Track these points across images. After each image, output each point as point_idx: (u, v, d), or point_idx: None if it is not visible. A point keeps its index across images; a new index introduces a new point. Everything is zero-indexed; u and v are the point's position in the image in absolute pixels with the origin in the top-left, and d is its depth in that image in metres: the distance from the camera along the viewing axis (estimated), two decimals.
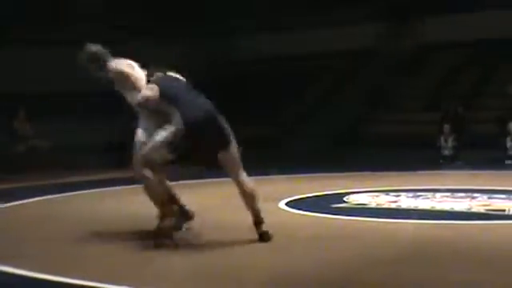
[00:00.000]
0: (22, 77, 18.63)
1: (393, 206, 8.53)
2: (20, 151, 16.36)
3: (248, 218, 6.12)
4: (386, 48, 21.57)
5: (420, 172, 13.43)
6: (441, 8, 20.84)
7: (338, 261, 5.36)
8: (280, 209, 8.30)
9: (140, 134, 6.54)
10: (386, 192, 9.70)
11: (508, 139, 16.09)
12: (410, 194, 9.39)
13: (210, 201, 9.12)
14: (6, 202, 9.21)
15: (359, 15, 21.73)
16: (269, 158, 17.05)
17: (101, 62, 6.57)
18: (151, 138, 6.24)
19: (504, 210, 7.85)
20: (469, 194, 9.20)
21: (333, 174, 13.19)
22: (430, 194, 9.31)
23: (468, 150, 15.60)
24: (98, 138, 19.63)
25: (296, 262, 5.37)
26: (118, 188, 11.29)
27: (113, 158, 17.18)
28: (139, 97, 6.12)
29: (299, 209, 8.20)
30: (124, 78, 6.51)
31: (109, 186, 11.57)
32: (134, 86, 6.45)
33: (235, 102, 20.66)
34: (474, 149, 15.82)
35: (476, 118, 17.87)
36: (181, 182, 12.45)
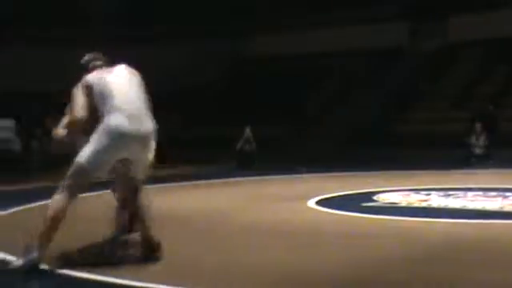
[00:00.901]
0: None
1: (423, 204, 8.44)
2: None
3: (273, 217, 6.06)
4: (414, 47, 21.48)
5: (451, 171, 13.32)
6: (468, 6, 20.69)
7: (366, 259, 5.30)
8: (309, 207, 8.25)
9: None
10: (417, 191, 9.61)
11: None
12: (441, 193, 9.30)
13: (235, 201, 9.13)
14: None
15: (386, 14, 21.65)
16: (294, 157, 17.06)
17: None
18: None
19: None
20: (500, 193, 9.09)
21: (362, 173, 13.13)
22: (461, 193, 9.21)
23: (499, 149, 15.43)
24: None
25: (324, 259, 5.32)
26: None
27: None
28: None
29: (329, 207, 8.15)
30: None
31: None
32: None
33: (260, 102, 20.76)
34: (506, 147, 15.68)
35: (507, 116, 17.71)
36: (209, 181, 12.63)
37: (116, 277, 4.64)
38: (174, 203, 9.13)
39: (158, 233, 5.28)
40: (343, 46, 21.91)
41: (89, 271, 4.80)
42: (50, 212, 4.91)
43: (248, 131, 17.45)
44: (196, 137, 20.13)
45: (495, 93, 18.66)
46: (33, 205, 8.73)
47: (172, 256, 5.17)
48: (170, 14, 22.86)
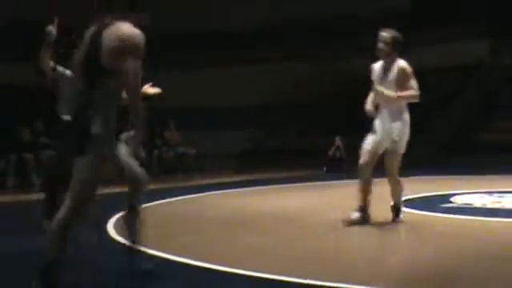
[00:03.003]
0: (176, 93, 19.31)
1: (496, 206, 8.24)
2: (170, 157, 16.88)
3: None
4: (494, 62, 20.89)
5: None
6: None
7: (446, 256, 5.25)
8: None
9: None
10: (491, 193, 9.39)
11: None
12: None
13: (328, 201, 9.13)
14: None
15: (468, 32, 21.15)
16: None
17: None
18: None
19: None
20: None
21: (442, 176, 12.89)
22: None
23: None
24: (233, 147, 20.06)
25: (407, 256, 5.30)
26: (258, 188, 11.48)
27: (246, 162, 17.51)
28: None
29: (410, 208, 8.06)
30: None
31: (247, 187, 11.78)
32: None
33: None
34: None
35: None
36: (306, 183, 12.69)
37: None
38: (284, 203, 9.28)
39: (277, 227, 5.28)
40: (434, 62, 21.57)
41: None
42: None
43: (338, 140, 17.47)
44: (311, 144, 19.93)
45: None
46: (156, 202, 9.03)
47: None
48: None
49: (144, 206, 8.34)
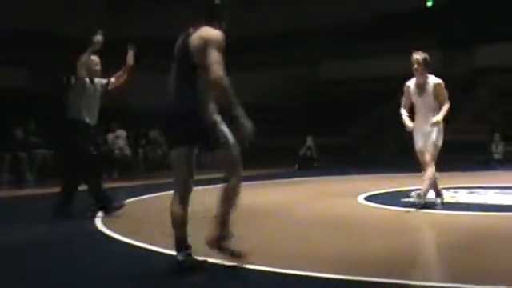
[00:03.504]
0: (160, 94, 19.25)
1: (452, 200, 8.35)
2: (156, 155, 16.86)
3: (327, 210, 6.07)
4: (444, 72, 21.20)
5: (474, 172, 13.11)
6: (489, 38, 20.39)
7: (404, 245, 5.31)
8: (359, 203, 8.27)
9: None
10: (447, 189, 9.50)
11: None
12: (467, 191, 9.18)
13: (298, 197, 9.19)
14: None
15: (420, 44, 21.44)
16: (350, 161, 17.04)
17: None
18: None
19: None
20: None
21: (403, 174, 13.01)
22: (483, 191, 9.08)
23: None
24: None
25: (369, 245, 5.35)
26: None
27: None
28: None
29: (375, 202, 8.16)
30: None
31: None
32: None
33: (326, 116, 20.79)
34: None
35: None
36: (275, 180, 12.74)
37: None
38: (257, 198, 9.28)
39: (247, 223, 5.32)
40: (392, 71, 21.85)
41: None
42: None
43: (309, 140, 17.58)
44: (283, 143, 20.01)
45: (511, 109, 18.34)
46: (140, 197, 9.01)
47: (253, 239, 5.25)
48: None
49: (128, 200, 8.44)
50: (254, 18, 23.19)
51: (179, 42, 4.35)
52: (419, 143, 7.38)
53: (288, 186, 11.66)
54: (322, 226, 6.43)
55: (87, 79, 7.17)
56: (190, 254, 4.34)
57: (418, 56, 7.29)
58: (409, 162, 14.39)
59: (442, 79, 7.39)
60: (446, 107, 7.23)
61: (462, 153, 16.18)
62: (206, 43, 4.15)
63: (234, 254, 4.40)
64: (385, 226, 6.32)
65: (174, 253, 4.42)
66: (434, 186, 7.51)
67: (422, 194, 7.26)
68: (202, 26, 4.25)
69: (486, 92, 19.97)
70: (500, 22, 20.46)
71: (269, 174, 14.21)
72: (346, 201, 8.36)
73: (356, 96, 21.84)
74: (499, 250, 5.04)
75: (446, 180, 11.04)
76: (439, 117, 7.17)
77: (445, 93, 7.28)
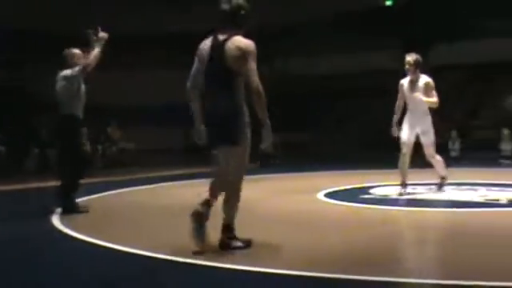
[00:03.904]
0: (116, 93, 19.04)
1: (410, 196, 8.48)
2: (112, 152, 16.72)
3: (287, 206, 6.10)
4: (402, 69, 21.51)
5: (433, 169, 13.29)
6: (445, 37, 20.77)
7: (362, 241, 5.38)
8: (318, 199, 8.34)
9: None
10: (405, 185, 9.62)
11: (502, 143, 15.93)
12: (425, 187, 9.33)
13: (258, 194, 9.21)
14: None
15: (384, 42, 21.69)
16: (311, 158, 17.14)
17: None
18: None
19: (498, 200, 7.78)
20: (471, 187, 9.14)
21: (363, 171, 13.15)
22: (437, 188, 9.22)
23: (471, 152, 15.45)
24: (173, 142, 19.97)
25: (327, 241, 5.40)
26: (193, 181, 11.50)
27: (185, 157, 17.45)
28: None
29: (334, 199, 8.23)
30: None
31: (183, 180, 11.77)
32: None
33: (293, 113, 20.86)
34: (477, 151, 15.70)
35: (478, 125, 17.71)
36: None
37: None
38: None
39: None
40: (357, 68, 22.00)
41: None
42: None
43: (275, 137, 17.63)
44: None
45: (467, 107, 18.68)
46: (99, 195, 8.92)
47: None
48: None
49: (87, 198, 8.36)
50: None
51: (208, 45, 4.76)
52: (405, 136, 8.31)
53: (249, 182, 11.63)
54: (282, 222, 6.47)
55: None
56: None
57: (410, 58, 8.22)
58: (370, 158, 14.62)
59: (401, 76, 7.61)
60: (433, 99, 8.13)
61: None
62: (243, 53, 4.61)
63: (248, 244, 4.91)
64: (343, 222, 6.40)
65: (133, 250, 4.41)
66: (403, 175, 8.45)
67: (441, 180, 8.68)
68: (230, 33, 4.70)
69: (443, 89, 20.31)
70: (458, 20, 20.83)
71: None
72: (306, 197, 8.42)
73: (318, 93, 21.96)
74: (454, 245, 5.15)
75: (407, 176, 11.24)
76: (426, 99, 8.09)
77: (434, 92, 8.17)
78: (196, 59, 4.84)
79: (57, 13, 18.06)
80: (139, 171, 14.05)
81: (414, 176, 9.37)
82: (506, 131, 15.78)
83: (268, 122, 4.65)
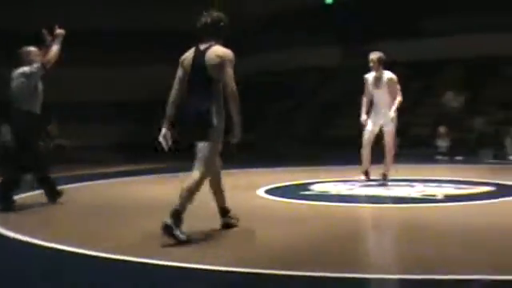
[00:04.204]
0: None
1: (349, 192, 8.58)
2: (49, 148, 16.38)
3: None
4: (345, 67, 21.77)
5: (371, 165, 13.50)
6: (383, 35, 21.12)
7: (304, 236, 5.41)
8: (258, 195, 8.34)
9: None
10: (344, 182, 9.76)
11: (439, 140, 16.32)
12: (363, 183, 9.44)
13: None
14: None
15: (323, 39, 21.91)
16: (254, 155, 17.17)
17: None
18: None
19: (435, 196, 7.95)
20: (408, 183, 9.30)
21: (303, 167, 13.24)
22: (377, 183, 9.36)
23: (408, 149, 15.75)
24: (112, 139, 19.70)
25: (266, 237, 5.41)
26: (127, 179, 11.37)
27: (123, 154, 17.25)
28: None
29: (274, 195, 8.25)
30: None
31: (119, 177, 11.61)
32: None
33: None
34: (414, 147, 16.02)
35: (415, 122, 18.09)
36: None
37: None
38: (153, 192, 9.20)
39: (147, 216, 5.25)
40: (294, 65, 22.12)
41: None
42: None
43: None
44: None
45: (405, 104, 19.07)
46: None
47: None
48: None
49: (26, 194, 8.13)
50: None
51: (191, 56, 5.26)
52: (369, 127, 8.96)
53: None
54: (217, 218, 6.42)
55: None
56: (229, 216, 5.66)
57: (373, 56, 8.83)
58: (310, 156, 14.75)
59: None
60: (397, 100, 8.75)
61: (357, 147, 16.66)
62: (222, 61, 5.13)
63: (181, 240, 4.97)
64: (282, 219, 6.41)
65: (60, 247, 4.32)
66: (365, 163, 9.15)
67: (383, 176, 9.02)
68: (210, 43, 5.23)
69: None
70: (397, 19, 21.23)
71: (174, 168, 14.08)
72: (246, 194, 8.40)
73: (257, 90, 22.00)
74: (391, 240, 5.23)
75: (345, 173, 11.39)
76: (392, 113, 8.73)
77: (397, 86, 8.77)
78: (179, 67, 5.33)
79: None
80: (77, 168, 13.76)
81: (356, 172, 9.49)
82: (442, 128, 16.15)
83: (239, 121, 5.16)
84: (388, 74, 8.85)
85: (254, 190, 8.75)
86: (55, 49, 7.23)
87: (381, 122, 8.92)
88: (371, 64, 8.85)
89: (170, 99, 5.33)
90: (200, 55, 5.22)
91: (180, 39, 23.20)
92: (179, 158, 14.53)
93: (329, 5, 22.72)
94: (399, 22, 21.16)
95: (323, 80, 21.94)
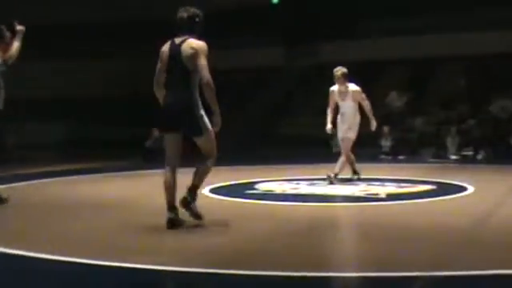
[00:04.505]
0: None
1: (294, 191, 8.64)
2: None
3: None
4: (289, 67, 21.90)
5: (315, 165, 13.65)
6: (333, 35, 21.34)
7: (249, 234, 5.44)
8: (203, 194, 8.31)
9: None
10: (289, 181, 9.83)
11: (383, 139, 16.59)
12: (308, 182, 9.54)
13: (146, 188, 9.09)
14: None
15: (266, 39, 22.00)
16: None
17: None
18: None
19: (378, 194, 8.09)
20: (353, 182, 9.44)
21: (249, 166, 13.27)
22: (323, 182, 9.47)
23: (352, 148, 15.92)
24: (57, 137, 19.33)
25: (213, 236, 5.41)
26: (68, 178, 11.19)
27: (69, 153, 16.94)
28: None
29: (219, 194, 8.24)
30: None
31: (64, 176, 11.41)
32: None
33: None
34: (358, 147, 16.23)
35: (360, 122, 18.31)
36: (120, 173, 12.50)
37: None
38: (102, 191, 9.09)
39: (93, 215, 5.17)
40: (240, 64, 22.12)
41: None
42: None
43: (155, 131, 17.39)
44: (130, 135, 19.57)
45: None
46: None
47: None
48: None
49: None
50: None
51: (167, 48, 5.64)
52: (340, 134, 9.59)
53: (134, 178, 11.49)
54: (164, 217, 6.38)
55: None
56: (177, 214, 5.62)
57: (338, 72, 9.38)
58: (256, 156, 14.77)
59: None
60: (369, 108, 9.56)
61: (306, 146, 16.80)
62: (196, 52, 5.48)
63: (197, 215, 5.76)
64: (226, 217, 6.41)
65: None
66: (351, 165, 9.72)
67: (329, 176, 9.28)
68: (185, 37, 5.60)
69: (327, 87, 20.89)
70: (342, 19, 21.49)
71: (115, 166, 13.90)
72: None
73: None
74: (335, 238, 5.30)
75: (290, 172, 11.48)
76: (373, 123, 9.67)
77: (362, 95, 9.49)
78: (158, 60, 5.69)
79: None
80: (18, 167, 13.44)
81: (300, 171, 9.58)
82: (386, 128, 16.44)
83: (218, 109, 5.50)
84: (353, 87, 9.43)
85: (200, 189, 8.69)
86: (16, 45, 7.35)
87: (345, 126, 9.51)
88: (336, 79, 9.40)
89: (157, 94, 5.76)
90: (176, 48, 5.57)
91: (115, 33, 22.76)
92: (121, 157, 14.31)
93: (275, 5, 22.82)
94: (343, 23, 21.43)
95: (266, 80, 22.04)
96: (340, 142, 9.70)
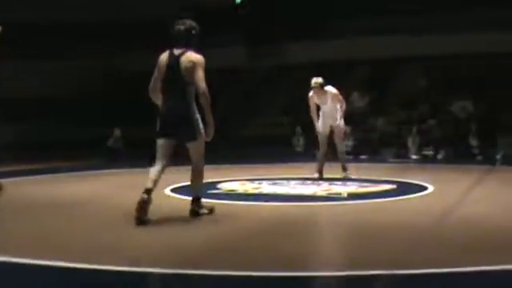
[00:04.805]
0: None
1: (256, 191, 8.66)
2: None
3: (132, 202, 6.00)
4: (252, 67, 21.92)
5: (278, 164, 13.70)
6: (295, 35, 21.43)
7: (212, 235, 5.42)
8: (165, 194, 8.27)
9: None
10: (251, 180, 9.84)
11: (345, 139, 16.71)
12: (270, 182, 9.56)
13: (106, 188, 8.99)
14: None
15: (229, 39, 21.99)
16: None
17: None
18: None
19: (340, 194, 8.15)
20: (315, 182, 9.49)
21: (211, 166, 13.22)
22: (285, 182, 9.51)
23: (314, 148, 16.03)
24: (12, 137, 19.00)
25: (175, 236, 5.39)
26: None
27: (25, 153, 16.68)
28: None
29: (181, 194, 8.20)
30: None
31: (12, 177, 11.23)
32: None
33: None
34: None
35: None
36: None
37: None
38: (60, 191, 8.96)
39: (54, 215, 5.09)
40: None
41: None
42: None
43: (117, 131, 17.24)
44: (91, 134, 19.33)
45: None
46: None
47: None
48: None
49: None
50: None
51: (165, 59, 5.95)
52: (321, 129, 10.26)
53: (96, 178, 11.36)
54: (129, 218, 6.32)
55: None
56: (149, 197, 5.92)
57: (315, 83, 10.09)
58: (218, 155, 14.73)
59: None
60: (342, 110, 10.29)
61: (268, 146, 16.86)
62: (195, 64, 5.84)
63: (210, 210, 6.40)
64: (188, 217, 6.38)
65: None
66: (343, 162, 10.38)
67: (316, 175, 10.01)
68: (183, 49, 5.92)
69: (290, 87, 21.00)
70: (303, 20, 21.60)
71: (77, 167, 13.73)
72: (153, 193, 8.29)
73: None
74: (294, 237, 5.31)
75: (252, 172, 11.49)
76: (340, 121, 10.26)
77: (340, 97, 10.27)
78: (156, 69, 5.97)
79: None
80: None
81: (262, 171, 9.58)
82: (347, 128, 16.51)
83: (212, 120, 5.88)
84: (331, 91, 10.19)
85: (162, 188, 8.64)
86: None
87: (330, 122, 10.28)
88: (314, 88, 10.10)
89: (154, 99, 6.11)
90: (174, 60, 5.90)
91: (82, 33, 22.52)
92: (77, 157, 14.11)
93: (238, 5, 22.84)
94: (305, 24, 21.55)
95: (228, 81, 22.04)
96: (323, 138, 10.31)
